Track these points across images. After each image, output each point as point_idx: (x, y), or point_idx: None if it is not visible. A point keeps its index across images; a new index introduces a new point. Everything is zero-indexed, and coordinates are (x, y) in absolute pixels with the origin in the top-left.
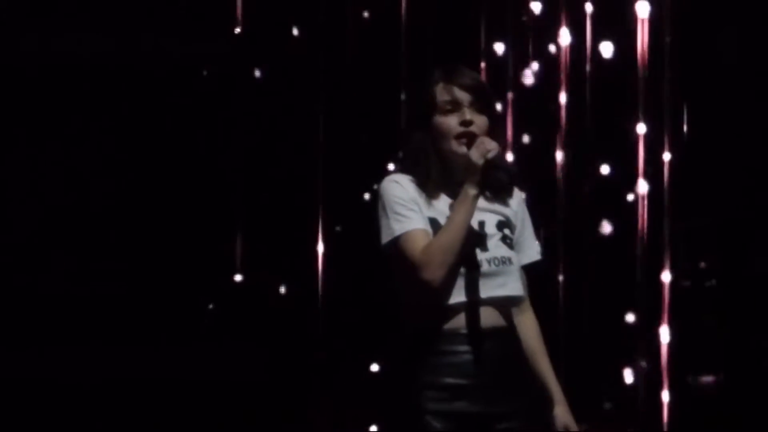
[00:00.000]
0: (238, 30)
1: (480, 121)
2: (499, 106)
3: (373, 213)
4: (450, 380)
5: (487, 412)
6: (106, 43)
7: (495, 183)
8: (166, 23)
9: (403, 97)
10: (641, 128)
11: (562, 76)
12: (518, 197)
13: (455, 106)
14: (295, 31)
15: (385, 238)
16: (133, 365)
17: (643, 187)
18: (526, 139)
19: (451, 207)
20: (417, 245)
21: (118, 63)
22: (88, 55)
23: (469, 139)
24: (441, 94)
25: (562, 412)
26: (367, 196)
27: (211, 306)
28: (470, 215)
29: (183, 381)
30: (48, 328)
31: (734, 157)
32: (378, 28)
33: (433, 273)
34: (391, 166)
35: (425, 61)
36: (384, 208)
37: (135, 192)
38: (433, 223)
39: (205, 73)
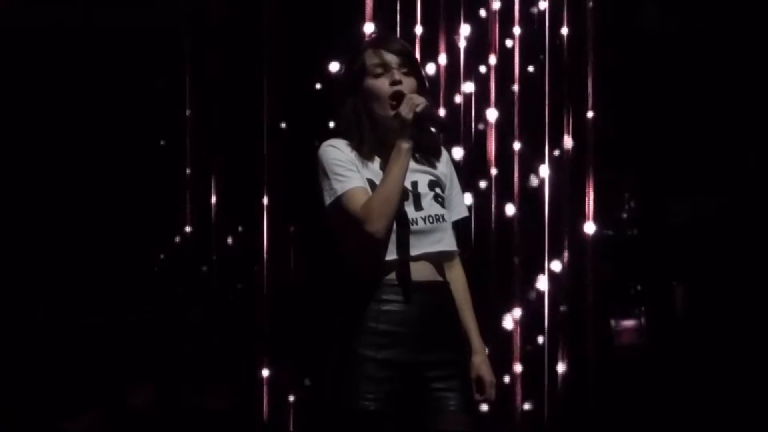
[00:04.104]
0: None
1: (409, 82)
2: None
3: (313, 178)
4: (387, 327)
5: (419, 360)
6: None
7: (426, 135)
8: None
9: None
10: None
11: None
12: (446, 158)
13: (385, 68)
14: None
15: (328, 199)
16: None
17: (568, 143)
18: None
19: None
20: (358, 201)
21: (69, 32)
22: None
23: (398, 98)
24: (370, 58)
25: (478, 362)
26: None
27: (162, 256)
28: (405, 168)
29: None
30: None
31: (653, 118)
32: None
33: (374, 225)
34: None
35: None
36: (324, 171)
37: (87, 154)
38: (371, 183)
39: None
